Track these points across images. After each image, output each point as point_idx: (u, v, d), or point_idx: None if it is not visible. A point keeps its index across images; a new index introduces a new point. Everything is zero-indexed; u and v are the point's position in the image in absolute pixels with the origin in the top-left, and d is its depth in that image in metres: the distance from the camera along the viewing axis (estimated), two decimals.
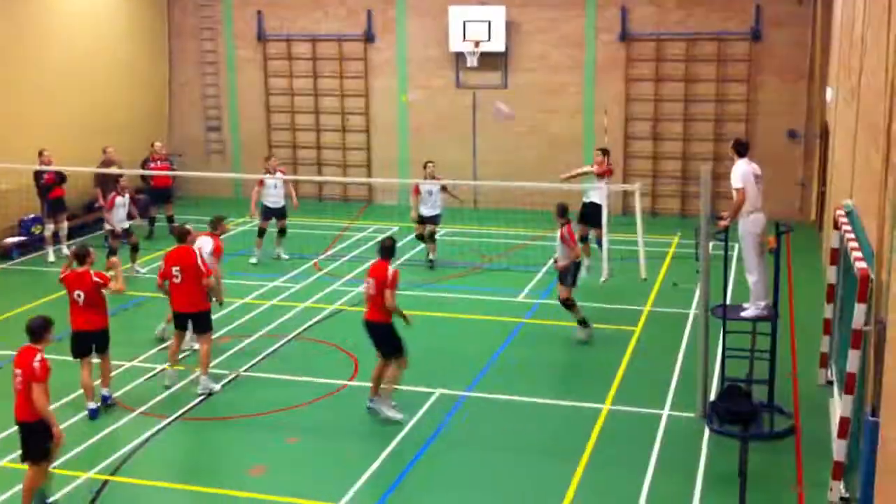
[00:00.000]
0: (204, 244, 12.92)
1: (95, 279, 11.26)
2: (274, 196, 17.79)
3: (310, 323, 14.48)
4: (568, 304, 13.44)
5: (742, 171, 11.06)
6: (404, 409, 11.18)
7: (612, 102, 21.81)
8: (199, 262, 11.95)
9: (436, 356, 12.85)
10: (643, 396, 11.63)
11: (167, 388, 11.99)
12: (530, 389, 11.86)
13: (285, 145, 24.07)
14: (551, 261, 14.77)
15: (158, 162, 19.97)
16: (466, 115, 22.69)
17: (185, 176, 21.89)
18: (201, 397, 11.74)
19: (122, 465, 10.08)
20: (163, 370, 12.33)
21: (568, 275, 13.33)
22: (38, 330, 8.92)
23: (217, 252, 13.09)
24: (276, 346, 13.52)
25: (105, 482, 9.71)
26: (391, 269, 10.93)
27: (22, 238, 18.69)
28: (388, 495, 9.43)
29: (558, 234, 13.35)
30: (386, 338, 11.06)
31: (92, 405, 11.35)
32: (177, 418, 11.23)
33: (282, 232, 17.98)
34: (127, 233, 16.93)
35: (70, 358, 11.41)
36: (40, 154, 17.97)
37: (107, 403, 11.56)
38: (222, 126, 24.52)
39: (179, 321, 12.10)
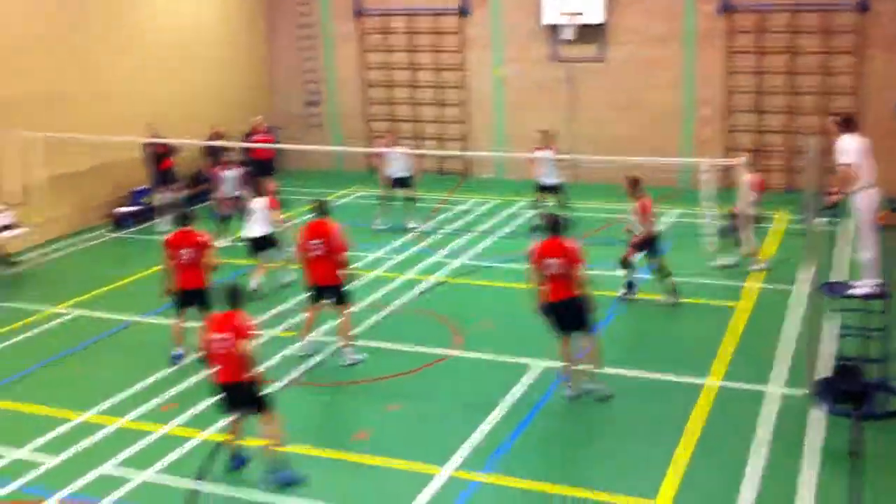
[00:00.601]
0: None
1: (199, 238, 11.75)
2: (396, 166, 18.46)
3: (412, 294, 14.70)
4: (626, 263, 13.67)
5: (852, 146, 10.76)
6: (508, 380, 11.30)
7: (712, 76, 21.42)
8: (338, 236, 11.92)
9: (535, 328, 12.89)
10: (750, 373, 11.50)
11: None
12: (633, 363, 11.83)
13: (383, 119, 24.31)
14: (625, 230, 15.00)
15: (261, 134, 20.50)
16: (561, 88, 22.56)
17: (286, 149, 22.32)
18: (308, 363, 12.05)
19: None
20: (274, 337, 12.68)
21: (645, 247, 13.30)
22: (235, 295, 9.17)
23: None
24: (379, 315, 13.76)
25: (218, 444, 10.08)
26: (572, 245, 10.67)
27: (134, 208, 19.36)
28: (490, 465, 9.55)
29: (633, 207, 13.30)
30: (584, 310, 10.79)
31: (177, 351, 12.00)
32: (287, 384, 11.56)
33: (408, 200, 18.54)
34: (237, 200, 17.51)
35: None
36: (150, 126, 18.62)
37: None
38: (321, 101, 24.88)
39: (317, 294, 12.13)
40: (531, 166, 18.02)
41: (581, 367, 11.03)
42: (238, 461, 9.52)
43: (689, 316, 13.70)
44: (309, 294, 12.18)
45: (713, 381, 11.34)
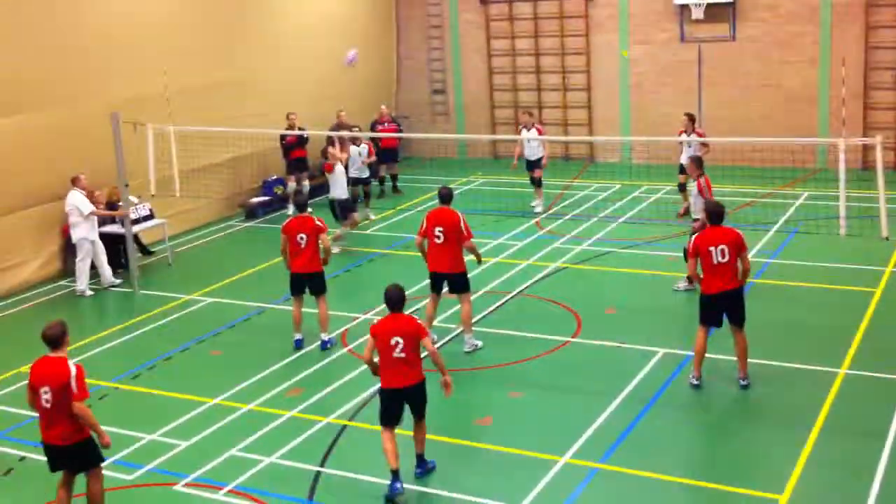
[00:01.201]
0: None
1: (317, 223, 12.13)
2: (528, 149, 18.45)
3: (533, 280, 14.66)
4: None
5: None
6: (630, 368, 11.17)
7: (850, 52, 20.49)
8: (462, 224, 11.84)
9: (658, 315, 12.70)
10: (883, 362, 11.01)
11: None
12: (760, 351, 11.45)
13: (507, 105, 24.28)
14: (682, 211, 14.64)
15: (386, 124, 20.85)
16: (692, 69, 22.01)
17: (410, 137, 22.60)
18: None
19: (358, 412, 10.66)
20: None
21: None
22: (399, 299, 8.98)
23: None
24: (500, 302, 13.78)
25: (343, 427, 10.31)
26: (737, 233, 10.49)
27: (266, 198, 19.94)
28: (611, 454, 9.46)
29: (695, 186, 13.10)
30: (743, 303, 10.54)
31: (297, 336, 12.41)
32: None
33: (536, 182, 18.60)
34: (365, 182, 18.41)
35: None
36: (288, 117, 19.18)
37: (325, 347, 12.31)
38: (447, 88, 25.03)
39: (436, 282, 12.06)
40: (670, 149, 17.57)
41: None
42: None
43: (822, 302, 13.20)
44: (430, 281, 12.23)
45: (845, 370, 10.90)
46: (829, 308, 12.98)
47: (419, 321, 8.92)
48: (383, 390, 8.92)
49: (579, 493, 8.80)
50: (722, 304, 10.44)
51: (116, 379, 11.94)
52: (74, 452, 8.20)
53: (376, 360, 8.81)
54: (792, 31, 21.04)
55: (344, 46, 22.90)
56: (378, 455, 9.23)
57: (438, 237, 11.82)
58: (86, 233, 15.25)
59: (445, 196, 12.09)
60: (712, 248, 10.27)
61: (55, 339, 8.15)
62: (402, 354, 8.67)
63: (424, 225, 11.96)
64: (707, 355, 10.83)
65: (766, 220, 16.97)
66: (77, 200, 15.14)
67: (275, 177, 20.04)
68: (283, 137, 19.21)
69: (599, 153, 23.46)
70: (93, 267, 15.54)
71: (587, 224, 17.57)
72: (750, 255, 14.93)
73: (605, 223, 17.62)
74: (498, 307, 13.64)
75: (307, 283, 12.28)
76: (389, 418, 8.88)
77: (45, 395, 8.01)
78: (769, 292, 13.70)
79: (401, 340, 8.64)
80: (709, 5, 21.18)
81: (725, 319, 10.55)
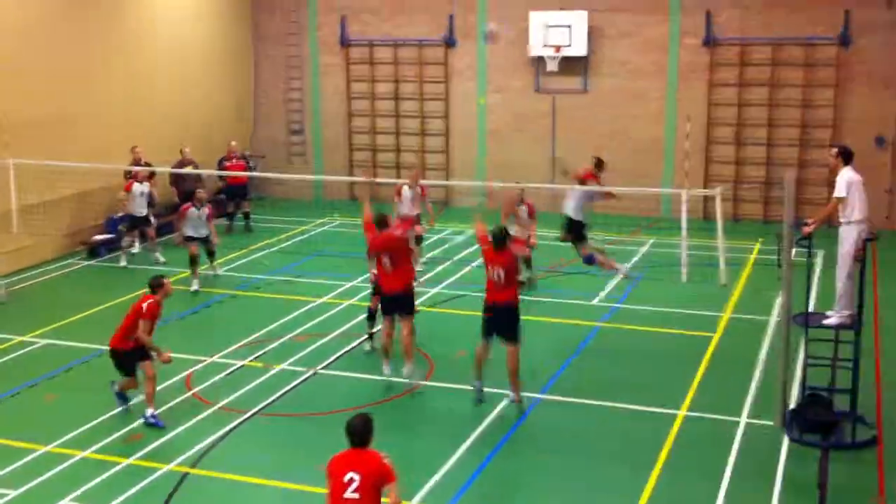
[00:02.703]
0: None
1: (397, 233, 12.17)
2: (409, 208, 16.88)
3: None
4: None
5: (849, 179, 10.74)
6: (475, 414, 11.20)
7: (694, 108, 21.52)
8: (405, 242, 12.12)
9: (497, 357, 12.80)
10: (721, 403, 11.43)
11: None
12: (605, 394, 11.75)
13: (365, 148, 24.33)
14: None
15: (234, 160, 20.69)
16: (545, 119, 22.63)
17: (262, 177, 22.33)
18: (279, 393, 11.92)
19: (201, 459, 10.29)
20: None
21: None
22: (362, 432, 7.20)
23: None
24: (351, 345, 13.63)
25: (184, 475, 9.92)
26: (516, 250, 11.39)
27: (109, 235, 19.22)
28: (460, 496, 9.44)
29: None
30: (517, 321, 11.35)
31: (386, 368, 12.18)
32: (255, 413, 11.41)
33: (417, 239, 16.97)
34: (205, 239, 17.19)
35: None
36: (133, 150, 18.70)
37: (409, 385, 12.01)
38: (304, 129, 24.88)
39: (390, 306, 12.06)
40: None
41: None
42: None
43: (661, 345, 13.62)
44: (381, 308, 12.33)
45: (685, 412, 11.24)
46: (671, 351, 13.40)
47: (387, 462, 7.08)
48: None
49: None
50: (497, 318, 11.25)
51: None
52: None
53: None
54: (640, 86, 21.93)
55: (197, 80, 22.56)
56: (220, 503, 8.92)
57: (386, 264, 11.93)
58: None
59: (381, 221, 12.07)
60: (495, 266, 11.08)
61: None
62: (356, 495, 6.93)
63: (371, 254, 12.11)
64: (558, 398, 10.99)
65: None
66: None
67: (120, 214, 19.36)
68: (127, 173, 18.62)
69: (455, 197, 23.72)
70: None
71: (442, 267, 17.66)
72: (598, 300, 15.51)
73: (459, 266, 17.76)
74: (349, 350, 13.49)
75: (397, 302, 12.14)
76: None
77: None
78: (614, 335, 14.07)
79: (357, 478, 6.94)
80: (563, 58, 21.86)
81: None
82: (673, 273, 15.70)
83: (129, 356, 11.16)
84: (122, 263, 18.03)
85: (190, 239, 16.64)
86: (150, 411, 11.04)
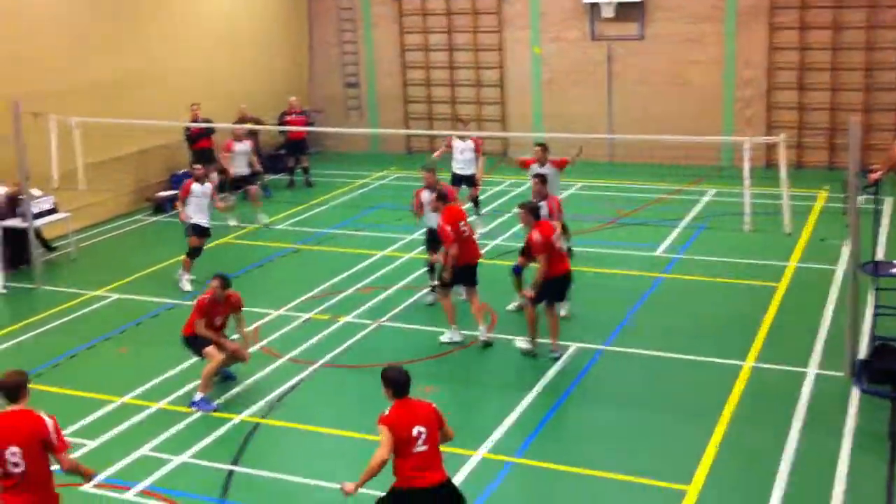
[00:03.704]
0: None
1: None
2: (461, 162, 16.45)
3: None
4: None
5: None
6: (541, 364, 11.27)
7: (754, 52, 21.08)
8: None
9: (572, 310, 12.82)
10: (788, 354, 11.34)
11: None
12: (669, 345, 11.73)
13: (421, 100, 24.26)
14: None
15: (294, 115, 20.78)
16: (601, 67, 22.33)
17: (322, 132, 22.48)
18: (345, 345, 12.10)
19: (271, 410, 10.53)
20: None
21: None
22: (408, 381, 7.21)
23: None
24: (414, 297, 13.75)
25: (256, 425, 10.16)
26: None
27: (174, 192, 19.49)
28: (525, 447, 9.55)
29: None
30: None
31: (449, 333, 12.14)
32: (322, 365, 11.62)
33: (474, 202, 16.65)
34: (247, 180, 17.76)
35: None
36: (191, 108, 18.92)
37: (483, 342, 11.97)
38: (360, 82, 24.88)
39: (466, 275, 12.00)
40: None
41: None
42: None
43: (725, 296, 13.54)
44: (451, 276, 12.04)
45: (751, 363, 11.19)
46: (735, 302, 13.31)
47: (435, 405, 7.23)
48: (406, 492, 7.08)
49: (495, 487, 8.85)
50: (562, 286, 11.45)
51: None
52: None
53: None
54: (698, 31, 21.51)
55: (254, 39, 22.63)
56: (291, 453, 9.14)
57: (465, 231, 11.95)
58: None
59: (444, 196, 12.12)
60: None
61: (13, 389, 6.90)
62: (425, 447, 7.03)
63: (449, 225, 11.77)
64: (622, 349, 11.04)
65: (673, 216, 17.33)
66: None
67: (182, 170, 19.63)
68: (187, 128, 18.92)
69: (512, 149, 23.60)
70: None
71: (502, 219, 17.65)
72: (659, 251, 15.42)
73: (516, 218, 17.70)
74: (412, 302, 13.61)
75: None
76: None
77: (13, 457, 6.71)
78: (676, 287, 14.00)
79: (424, 430, 7.02)
80: (618, 4, 21.50)
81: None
82: (736, 222, 15.47)
83: (191, 342, 10.91)
84: (233, 223, 17.69)
85: (195, 228, 14.59)
86: (197, 395, 10.64)
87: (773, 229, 14.39)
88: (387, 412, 7.06)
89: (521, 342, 11.66)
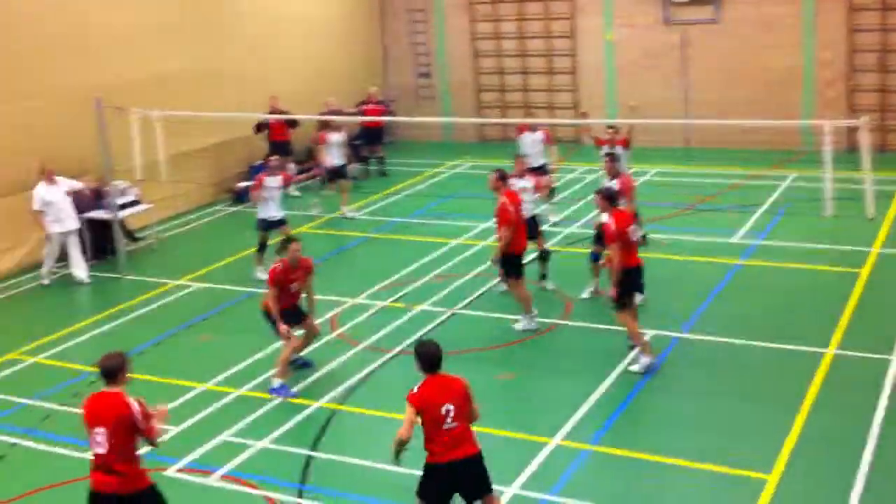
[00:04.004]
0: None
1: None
2: (531, 154, 15.95)
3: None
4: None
5: None
6: (615, 353, 11.21)
7: (833, 34, 20.58)
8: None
9: (648, 297, 12.72)
10: (871, 341, 11.09)
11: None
12: (747, 332, 11.56)
13: (493, 89, 24.25)
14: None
15: (372, 105, 20.98)
16: (675, 52, 22.04)
17: (397, 121, 22.66)
18: (420, 332, 12.19)
19: (349, 396, 10.68)
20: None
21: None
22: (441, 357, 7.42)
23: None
24: (488, 285, 13.78)
25: (334, 411, 10.32)
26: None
27: (252, 182, 19.80)
28: (601, 435, 9.51)
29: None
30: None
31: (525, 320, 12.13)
32: (398, 353, 11.73)
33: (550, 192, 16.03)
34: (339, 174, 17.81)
35: None
36: (270, 98, 19.24)
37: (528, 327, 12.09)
38: (432, 72, 24.96)
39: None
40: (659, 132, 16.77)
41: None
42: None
43: (806, 282, 13.29)
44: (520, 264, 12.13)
45: (833, 350, 10.98)
46: (816, 289, 13.06)
47: (465, 380, 7.38)
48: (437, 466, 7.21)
49: (570, 475, 8.85)
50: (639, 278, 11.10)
51: None
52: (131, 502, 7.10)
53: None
54: (775, 14, 21.07)
55: (328, 30, 22.87)
56: (368, 438, 9.25)
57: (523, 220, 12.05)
58: (49, 225, 14.85)
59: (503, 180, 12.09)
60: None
61: (112, 371, 7.07)
62: (455, 424, 7.14)
63: (513, 210, 11.76)
64: (699, 337, 10.88)
65: (752, 202, 17.06)
66: (34, 193, 14.80)
67: (260, 161, 19.94)
68: (262, 121, 19.14)
69: (585, 136, 23.41)
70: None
71: (576, 207, 17.58)
72: (737, 238, 15.19)
73: (592, 206, 17.60)
74: (486, 290, 13.65)
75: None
76: None
77: (99, 437, 6.94)
78: (756, 272, 13.79)
79: (452, 408, 7.14)
80: None
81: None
82: (816, 207, 15.17)
83: (269, 315, 10.86)
84: (315, 212, 17.95)
85: (262, 223, 14.68)
86: (276, 382, 10.76)
87: (854, 214, 14.09)
88: (416, 389, 7.20)
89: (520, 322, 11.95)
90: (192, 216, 18.76)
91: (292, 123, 19.27)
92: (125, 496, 7.00)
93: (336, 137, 17.97)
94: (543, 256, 13.46)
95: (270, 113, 19.17)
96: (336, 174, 18.07)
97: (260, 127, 19.35)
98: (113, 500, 6.99)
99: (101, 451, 6.93)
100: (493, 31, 24.05)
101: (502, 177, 12.10)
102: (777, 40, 21.12)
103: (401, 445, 7.13)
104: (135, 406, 6.98)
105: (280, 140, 19.44)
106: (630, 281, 10.85)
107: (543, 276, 13.48)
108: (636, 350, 10.94)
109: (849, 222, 14.53)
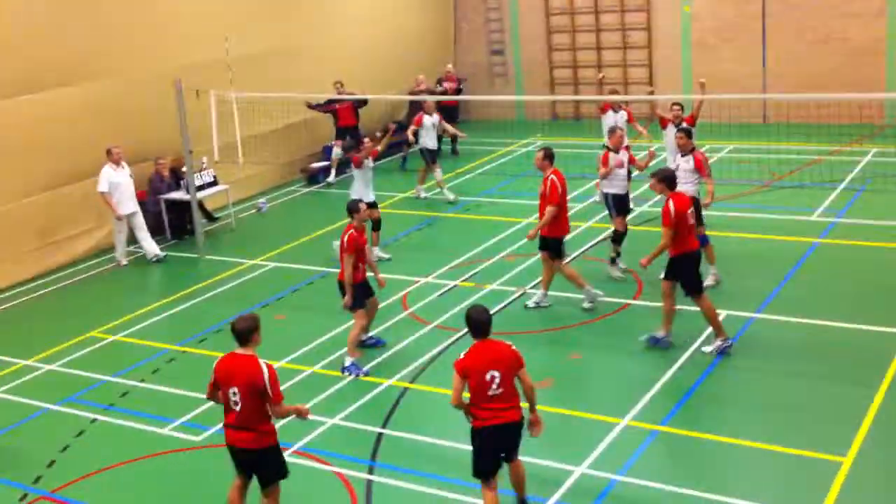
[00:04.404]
0: None
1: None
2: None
3: (592, 242, 14.61)
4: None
5: None
6: (689, 331, 11.09)
7: None
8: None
9: (723, 276, 12.55)
10: None
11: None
12: (825, 312, 11.32)
13: (566, 66, 24.04)
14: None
15: (448, 82, 21.10)
16: (754, 24, 21.53)
17: (469, 99, 22.63)
18: (491, 312, 12.16)
19: (420, 375, 10.79)
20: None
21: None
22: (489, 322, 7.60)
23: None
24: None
25: (404, 390, 10.44)
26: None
27: (326, 163, 20.08)
28: (672, 416, 9.44)
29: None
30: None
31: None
32: (467, 332, 11.73)
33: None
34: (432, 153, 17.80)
35: None
36: (334, 84, 19.27)
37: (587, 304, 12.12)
38: (505, 49, 24.84)
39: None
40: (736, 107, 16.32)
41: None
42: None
43: (887, 261, 12.96)
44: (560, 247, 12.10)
45: None
46: None
47: (515, 348, 7.52)
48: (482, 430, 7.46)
49: (640, 455, 8.81)
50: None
51: (183, 343, 12.23)
52: (259, 459, 7.51)
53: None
54: None
55: (403, 9, 22.88)
56: (439, 416, 9.33)
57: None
58: (118, 207, 15.12)
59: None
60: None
61: (244, 333, 7.40)
62: (500, 391, 7.36)
63: (561, 191, 11.76)
64: (775, 317, 10.68)
65: (832, 178, 16.64)
66: (100, 175, 15.08)
67: (331, 143, 20.16)
68: (332, 103, 19.19)
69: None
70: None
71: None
72: (816, 215, 14.84)
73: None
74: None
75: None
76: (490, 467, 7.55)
77: (234, 396, 7.33)
78: (834, 251, 13.48)
79: (497, 374, 7.32)
80: None
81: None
82: None
83: (344, 286, 10.73)
84: (423, 195, 18.00)
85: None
86: (347, 360, 10.88)
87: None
88: (462, 356, 7.44)
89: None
90: (267, 196, 19.02)
91: (361, 103, 19.32)
92: (256, 451, 7.46)
93: (429, 119, 17.98)
94: (619, 238, 13.25)
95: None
96: (432, 155, 17.97)
97: (312, 106, 19.35)
98: (245, 455, 7.49)
99: (237, 409, 7.33)
100: (567, 7, 23.79)
101: (548, 155, 11.96)
102: (860, 9, 20.48)
103: (460, 410, 7.47)
104: (265, 370, 7.30)
105: (346, 125, 19.50)
106: (681, 266, 10.67)
107: (614, 260, 13.23)
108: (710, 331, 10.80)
109: None
